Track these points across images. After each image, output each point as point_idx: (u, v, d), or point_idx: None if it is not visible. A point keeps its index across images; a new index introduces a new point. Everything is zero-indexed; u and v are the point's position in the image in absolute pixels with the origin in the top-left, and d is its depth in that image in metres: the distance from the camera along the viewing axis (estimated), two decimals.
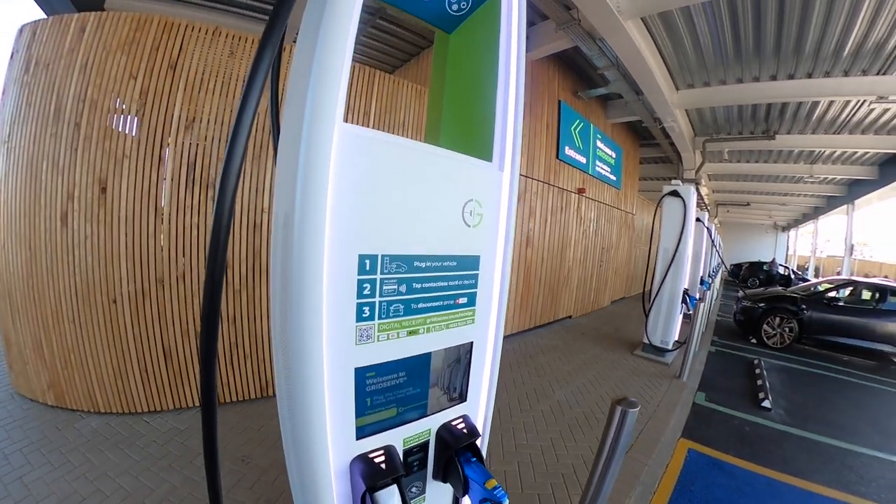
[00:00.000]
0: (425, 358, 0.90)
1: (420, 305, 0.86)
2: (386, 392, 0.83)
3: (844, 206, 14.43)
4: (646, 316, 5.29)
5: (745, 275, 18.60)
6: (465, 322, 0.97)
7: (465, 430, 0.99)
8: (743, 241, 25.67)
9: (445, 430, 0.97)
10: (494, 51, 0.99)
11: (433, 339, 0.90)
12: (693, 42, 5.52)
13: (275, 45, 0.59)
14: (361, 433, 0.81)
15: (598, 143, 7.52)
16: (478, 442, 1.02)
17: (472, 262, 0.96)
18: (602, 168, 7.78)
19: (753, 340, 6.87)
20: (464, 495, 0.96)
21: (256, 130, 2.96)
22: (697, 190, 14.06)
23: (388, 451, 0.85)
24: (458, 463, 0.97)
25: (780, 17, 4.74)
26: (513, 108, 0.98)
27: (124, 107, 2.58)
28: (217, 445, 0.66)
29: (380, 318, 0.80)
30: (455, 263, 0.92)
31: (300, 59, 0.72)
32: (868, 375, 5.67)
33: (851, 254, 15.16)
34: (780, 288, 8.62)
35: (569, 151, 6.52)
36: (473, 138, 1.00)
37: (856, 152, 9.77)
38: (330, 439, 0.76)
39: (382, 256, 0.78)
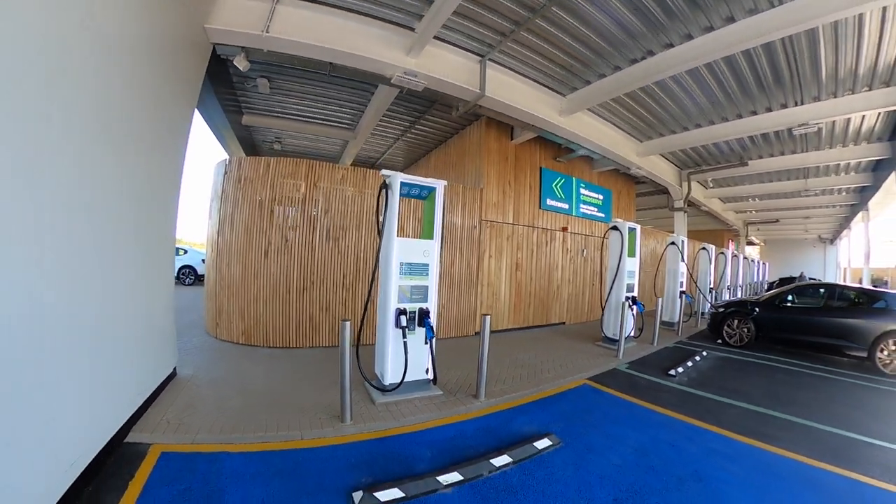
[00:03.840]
0: (415, 287, 4.02)
1: (412, 273, 4.00)
2: (406, 293, 3.88)
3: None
4: (602, 315, 7.75)
5: None
6: (425, 280, 4.08)
7: (426, 310, 4.02)
8: (790, 256, 26.25)
9: (420, 310, 4.03)
10: (434, 205, 4.06)
11: (416, 282, 4.04)
12: (634, 114, 8.13)
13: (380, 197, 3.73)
14: (399, 301, 3.86)
15: (582, 191, 10.23)
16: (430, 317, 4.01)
17: (426, 265, 4.06)
18: (588, 209, 10.41)
19: (719, 341, 8.39)
20: (425, 329, 3.92)
21: (348, 221, 6.26)
22: (715, 213, 15.71)
23: (406, 308, 3.94)
24: (424, 319, 3.96)
25: (687, 92, 7.06)
26: (439, 224, 4.03)
27: (295, 203, 5.94)
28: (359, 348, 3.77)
29: (403, 275, 3.94)
30: (421, 264, 4.01)
31: (385, 229, 3.82)
32: (811, 365, 6.72)
33: (868, 261, 15.71)
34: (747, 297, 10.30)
35: (550, 202, 9.34)
36: (430, 232, 4.13)
37: (839, 164, 10.54)
38: (392, 300, 3.83)
39: (403, 263, 3.91)
